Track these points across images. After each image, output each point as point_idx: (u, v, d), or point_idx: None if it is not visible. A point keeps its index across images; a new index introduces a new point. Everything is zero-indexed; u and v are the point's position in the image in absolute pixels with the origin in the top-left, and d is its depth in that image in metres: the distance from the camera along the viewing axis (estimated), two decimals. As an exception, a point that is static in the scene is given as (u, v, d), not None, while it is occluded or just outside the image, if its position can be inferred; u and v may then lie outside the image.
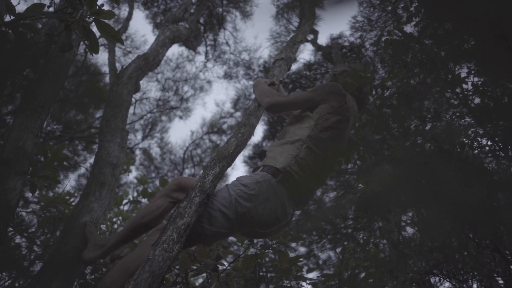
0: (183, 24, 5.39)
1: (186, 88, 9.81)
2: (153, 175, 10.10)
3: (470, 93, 2.21)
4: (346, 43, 6.70)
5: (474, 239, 2.16)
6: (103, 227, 3.87)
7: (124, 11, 7.53)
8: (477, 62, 2.01)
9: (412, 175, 1.93)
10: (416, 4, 2.43)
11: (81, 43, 2.79)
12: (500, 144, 2.06)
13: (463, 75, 2.23)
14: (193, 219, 1.67)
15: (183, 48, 9.06)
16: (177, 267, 2.64)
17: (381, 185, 2.24)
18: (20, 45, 2.21)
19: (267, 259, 2.80)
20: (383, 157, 2.25)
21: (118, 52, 7.77)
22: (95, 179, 2.63)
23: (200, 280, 3.31)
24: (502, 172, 2.03)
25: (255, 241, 2.70)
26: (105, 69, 6.83)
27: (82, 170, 6.78)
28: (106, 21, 2.01)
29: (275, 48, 7.51)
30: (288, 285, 2.78)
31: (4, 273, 2.42)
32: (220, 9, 7.79)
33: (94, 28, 2.04)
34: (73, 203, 3.41)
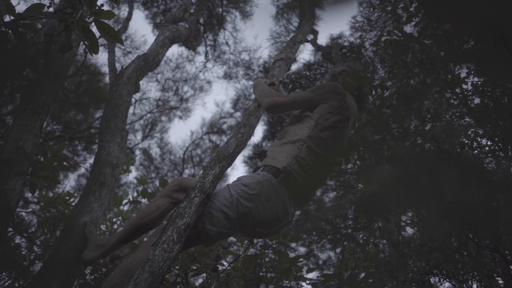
0: (183, 24, 5.39)
1: (186, 88, 9.82)
2: (153, 175, 10.11)
3: (470, 93, 2.21)
4: (346, 43, 6.70)
5: (474, 239, 2.16)
6: (103, 227, 3.87)
7: (124, 11, 7.54)
8: (477, 62, 2.01)
9: (412, 175, 1.93)
10: (416, 4, 2.43)
11: (81, 43, 2.79)
12: (499, 144, 2.06)
13: (462, 75, 2.23)
14: (193, 219, 1.67)
15: (183, 48, 9.07)
16: (177, 267, 2.64)
17: (381, 185, 2.25)
18: (20, 45, 2.21)
19: (267, 259, 2.80)
20: (383, 157, 2.26)
21: (118, 52, 7.77)
22: (95, 179, 2.63)
23: (200, 280, 3.31)
24: (502, 172, 2.04)
25: (255, 241, 2.70)
26: (105, 69, 6.84)
27: (82, 170, 6.79)
28: (106, 21, 2.01)
29: (275, 48, 7.51)
30: (288, 285, 2.78)
31: (4, 273, 2.42)
32: (220, 9, 7.79)
33: (94, 28, 2.04)
34: (73, 204, 3.41)
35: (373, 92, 2.46)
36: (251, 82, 8.44)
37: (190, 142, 10.75)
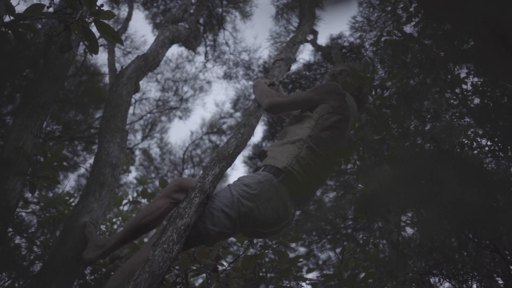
0: (183, 25, 5.39)
1: (185, 88, 9.82)
2: (153, 175, 10.11)
3: (470, 93, 2.21)
4: (346, 44, 6.70)
5: (474, 239, 2.16)
6: (102, 227, 3.87)
7: (123, 11, 7.54)
8: (477, 62, 2.01)
9: (412, 176, 1.93)
10: (416, 4, 2.43)
11: (81, 43, 2.79)
12: (499, 144, 2.06)
13: (462, 75, 2.23)
14: (192, 219, 1.67)
15: (182, 48, 9.08)
16: (177, 267, 2.64)
17: (381, 185, 2.25)
18: (19, 46, 2.21)
19: (266, 259, 2.80)
20: (383, 157, 2.26)
21: (117, 52, 7.78)
22: (94, 179, 2.63)
23: (200, 281, 3.31)
24: (502, 172, 2.04)
25: (255, 241, 2.70)
26: (105, 69, 6.85)
27: (81, 170, 6.79)
28: (106, 21, 2.01)
29: (274, 48, 7.52)
30: (288, 285, 2.78)
31: (4, 274, 2.42)
32: (220, 10, 7.79)
33: (94, 29, 2.04)
34: (73, 204, 3.41)
35: (373, 92, 2.46)
36: (251, 82, 8.44)
37: (190, 142, 10.77)
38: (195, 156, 10.75)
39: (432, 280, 2.46)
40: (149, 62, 4.00)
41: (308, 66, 7.42)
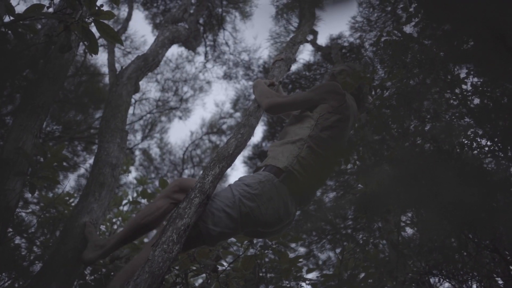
0: (183, 25, 5.39)
1: (185, 88, 9.83)
2: (153, 175, 10.11)
3: (470, 93, 2.21)
4: (346, 44, 6.70)
5: (474, 239, 2.16)
6: (102, 227, 3.87)
7: (123, 11, 7.54)
8: (476, 62, 2.01)
9: (412, 176, 1.93)
10: (415, 4, 2.43)
11: (81, 43, 2.79)
12: (499, 144, 2.06)
13: (462, 75, 2.23)
14: (192, 220, 1.67)
15: (182, 48, 9.08)
16: (176, 267, 2.64)
17: (381, 185, 2.25)
18: (19, 46, 2.21)
19: (266, 259, 2.80)
20: (383, 157, 2.26)
21: (117, 52, 7.78)
22: (94, 179, 2.63)
23: (200, 281, 3.31)
24: (502, 173, 2.04)
25: (255, 241, 2.70)
26: (105, 69, 6.86)
27: (81, 170, 6.79)
28: (106, 21, 2.02)
29: (274, 48, 7.52)
30: (288, 285, 2.78)
31: (3, 274, 2.41)
32: (220, 10, 7.79)
33: (94, 29, 2.04)
34: (73, 204, 3.41)
35: (373, 92, 2.46)
36: (250, 83, 8.44)
37: (189, 142, 10.77)
38: (195, 156, 10.75)
39: (432, 280, 2.46)
40: (149, 62, 4.00)
41: (308, 66, 7.42)
